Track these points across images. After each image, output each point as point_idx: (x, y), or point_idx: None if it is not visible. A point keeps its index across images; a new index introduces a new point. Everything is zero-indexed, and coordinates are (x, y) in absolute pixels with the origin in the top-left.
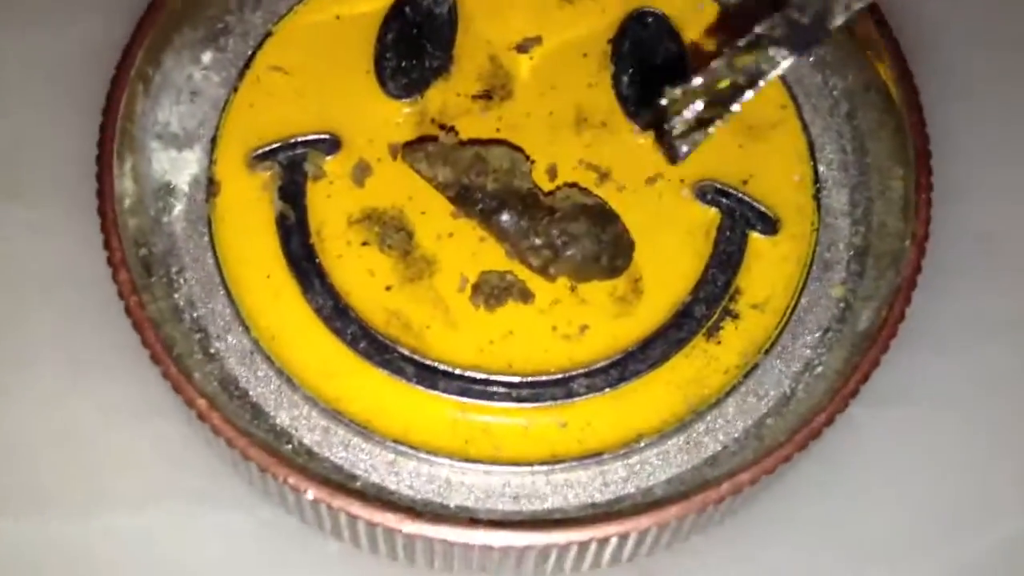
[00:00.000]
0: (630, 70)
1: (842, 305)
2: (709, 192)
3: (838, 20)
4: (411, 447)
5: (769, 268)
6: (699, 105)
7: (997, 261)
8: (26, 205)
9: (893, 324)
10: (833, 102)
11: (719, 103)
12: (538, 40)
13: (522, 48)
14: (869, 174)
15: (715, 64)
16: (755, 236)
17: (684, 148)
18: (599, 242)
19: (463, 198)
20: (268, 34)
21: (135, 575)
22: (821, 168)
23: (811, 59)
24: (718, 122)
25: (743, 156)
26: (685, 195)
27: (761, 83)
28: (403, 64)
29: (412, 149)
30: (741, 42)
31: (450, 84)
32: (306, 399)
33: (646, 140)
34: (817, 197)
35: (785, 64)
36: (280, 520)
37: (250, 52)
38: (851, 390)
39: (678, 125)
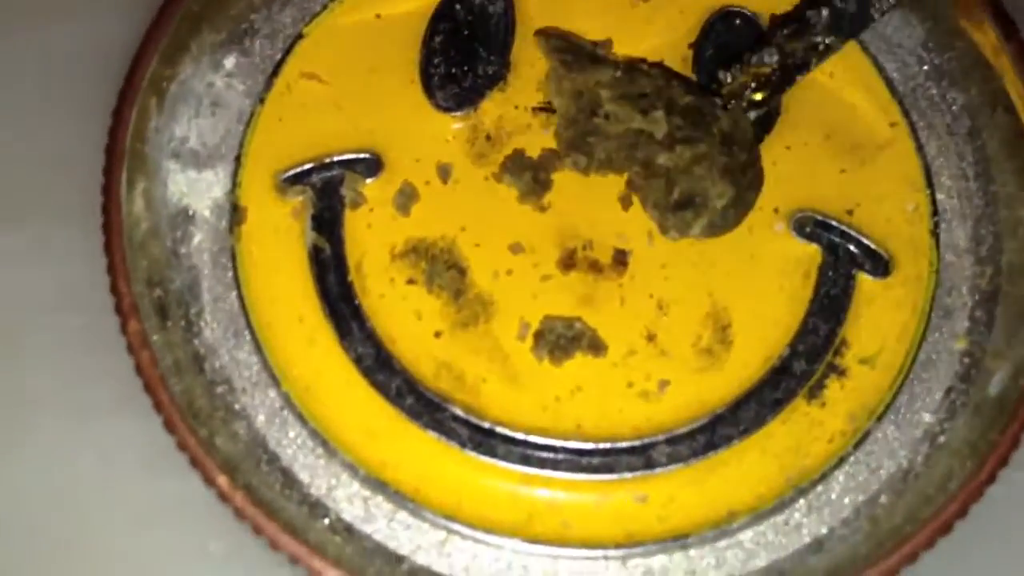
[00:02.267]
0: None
1: (967, 360)
2: (808, 225)
3: (884, 7)
4: (465, 524)
5: (880, 316)
6: (751, 87)
7: None
8: (27, 231)
9: None
10: (952, 118)
11: (769, 85)
12: (608, 44)
13: None
14: (995, 205)
15: (765, 49)
16: (863, 277)
17: None
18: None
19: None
20: (299, 36)
21: None
22: (939, 196)
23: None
24: (773, 100)
25: (847, 182)
26: (780, 229)
27: (812, 67)
28: (453, 72)
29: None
30: (788, 28)
31: (507, 95)
32: (344, 466)
33: None
34: (935, 231)
35: (833, 49)
36: None
37: (279, 56)
38: (987, 475)
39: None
